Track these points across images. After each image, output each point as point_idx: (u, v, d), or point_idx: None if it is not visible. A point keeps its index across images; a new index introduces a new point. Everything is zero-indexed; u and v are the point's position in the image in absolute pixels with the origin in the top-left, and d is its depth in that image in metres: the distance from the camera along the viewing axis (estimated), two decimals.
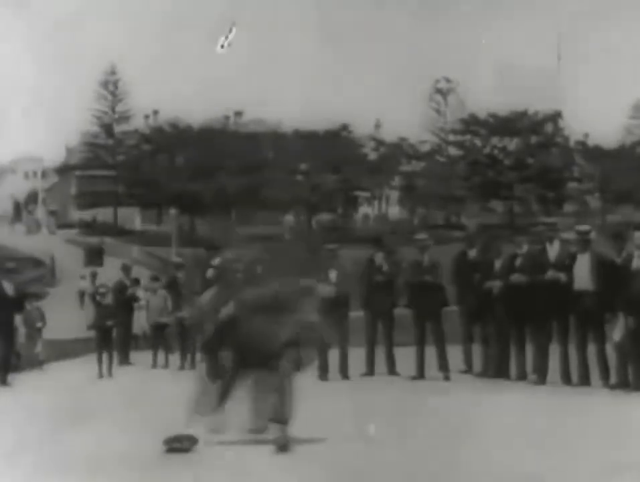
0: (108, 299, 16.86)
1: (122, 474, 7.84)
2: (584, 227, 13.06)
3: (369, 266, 14.45)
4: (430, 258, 14.10)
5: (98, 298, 16.82)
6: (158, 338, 18.24)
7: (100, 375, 16.57)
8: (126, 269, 17.42)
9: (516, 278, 13.12)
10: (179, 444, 8.53)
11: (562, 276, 12.57)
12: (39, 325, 18.11)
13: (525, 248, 13.42)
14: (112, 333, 17.03)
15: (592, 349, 12.52)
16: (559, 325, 12.73)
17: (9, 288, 15.20)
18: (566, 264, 12.66)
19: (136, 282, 18.40)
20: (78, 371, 17.54)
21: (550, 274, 12.66)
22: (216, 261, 10.19)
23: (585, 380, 12.42)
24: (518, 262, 13.28)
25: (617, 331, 12.05)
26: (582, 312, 12.38)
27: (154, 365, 18.04)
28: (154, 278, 19.17)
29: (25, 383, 15.13)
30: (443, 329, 13.98)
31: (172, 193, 52.01)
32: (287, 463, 7.87)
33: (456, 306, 14.54)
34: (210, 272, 9.32)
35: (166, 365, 17.79)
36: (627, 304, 11.89)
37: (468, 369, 14.38)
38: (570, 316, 12.64)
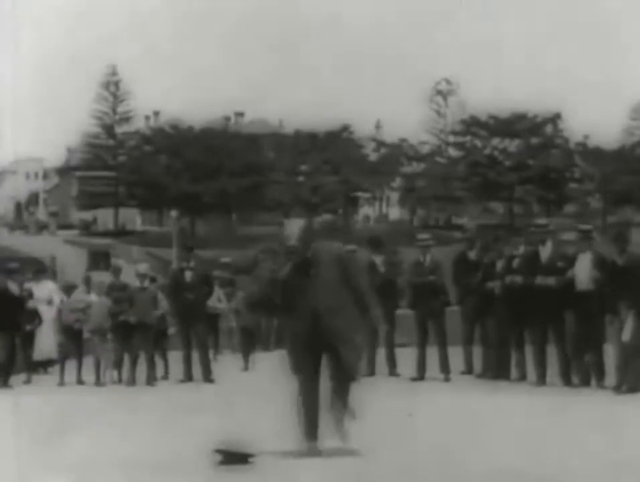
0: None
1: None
2: (586, 226, 13.07)
3: (370, 266, 14.42)
4: (432, 258, 14.09)
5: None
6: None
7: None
8: (115, 271, 17.27)
9: (510, 279, 13.12)
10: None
11: (551, 280, 12.52)
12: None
13: (522, 249, 13.41)
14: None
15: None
16: (557, 325, 12.71)
17: (14, 288, 15.13)
18: (559, 266, 12.60)
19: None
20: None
21: (539, 278, 12.61)
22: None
23: (585, 381, 12.42)
24: (515, 263, 13.27)
25: (626, 331, 11.91)
26: (583, 312, 12.35)
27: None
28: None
29: (28, 385, 15.09)
30: (445, 330, 13.97)
31: (173, 194, 52.06)
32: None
33: (456, 306, 14.54)
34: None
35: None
36: (637, 303, 11.78)
37: (469, 370, 14.38)
38: (567, 317, 12.62)
